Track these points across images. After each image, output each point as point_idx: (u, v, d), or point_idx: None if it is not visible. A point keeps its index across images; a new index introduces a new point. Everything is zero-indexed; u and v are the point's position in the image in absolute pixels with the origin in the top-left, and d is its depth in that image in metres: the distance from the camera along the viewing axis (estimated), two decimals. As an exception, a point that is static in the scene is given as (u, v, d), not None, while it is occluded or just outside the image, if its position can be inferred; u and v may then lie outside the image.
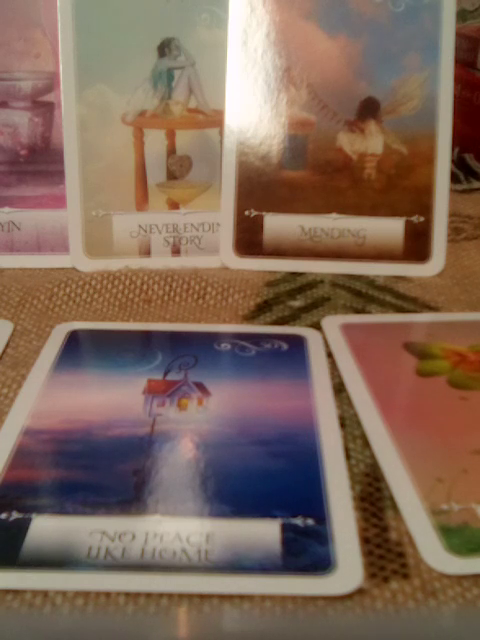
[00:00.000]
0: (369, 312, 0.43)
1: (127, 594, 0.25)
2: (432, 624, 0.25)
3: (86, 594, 0.25)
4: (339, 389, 0.36)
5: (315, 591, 0.25)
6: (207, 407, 0.34)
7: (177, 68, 0.46)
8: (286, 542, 0.26)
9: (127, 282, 0.45)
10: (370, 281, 0.47)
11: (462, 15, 0.69)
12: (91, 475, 0.30)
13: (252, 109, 0.47)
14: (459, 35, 0.48)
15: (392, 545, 0.27)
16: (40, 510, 0.28)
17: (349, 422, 0.34)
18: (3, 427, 0.32)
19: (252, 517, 0.27)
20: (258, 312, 0.43)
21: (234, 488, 0.29)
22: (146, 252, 0.48)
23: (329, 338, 0.40)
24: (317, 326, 0.42)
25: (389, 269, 0.47)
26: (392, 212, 0.47)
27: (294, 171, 0.47)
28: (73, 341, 0.40)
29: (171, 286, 0.45)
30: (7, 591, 0.25)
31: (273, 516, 0.27)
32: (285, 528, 0.27)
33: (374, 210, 0.48)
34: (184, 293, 0.45)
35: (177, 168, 0.47)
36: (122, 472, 0.30)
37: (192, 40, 0.46)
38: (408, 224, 0.47)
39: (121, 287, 0.45)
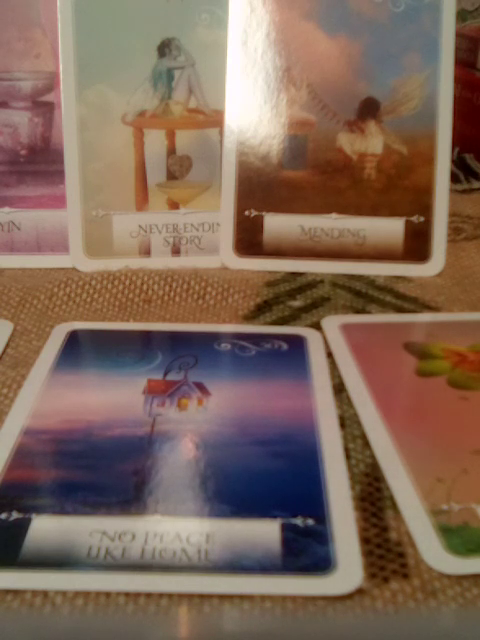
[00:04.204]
0: (369, 312, 0.43)
1: (127, 594, 0.25)
2: (432, 624, 0.25)
3: (86, 594, 0.25)
4: (339, 389, 0.36)
5: (315, 591, 0.25)
6: (207, 407, 0.34)
7: (177, 68, 0.46)
8: (286, 542, 0.26)
9: (127, 282, 0.45)
10: (370, 281, 0.47)
11: (462, 15, 0.69)
12: (91, 475, 0.30)
13: (252, 109, 0.47)
14: (459, 35, 0.48)
15: (392, 545, 0.27)
16: (40, 510, 0.28)
17: (349, 422, 0.34)
18: (3, 427, 0.32)
19: (252, 517, 0.27)
20: (258, 312, 0.43)
21: (234, 488, 0.29)
22: (146, 252, 0.48)
23: (329, 338, 0.40)
24: (317, 326, 0.42)
25: (389, 269, 0.47)
26: (392, 212, 0.47)
27: (294, 171, 0.47)
28: (73, 341, 0.40)
29: (171, 286, 0.45)
30: (7, 591, 0.25)
31: (273, 516, 0.27)
32: (285, 528, 0.27)
33: (374, 210, 0.48)
34: (184, 293, 0.45)
35: (177, 168, 0.47)
36: (122, 472, 0.30)
37: (192, 40, 0.46)
38: (408, 224, 0.47)
39: (121, 287, 0.45)
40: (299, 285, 0.46)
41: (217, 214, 0.48)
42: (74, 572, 0.25)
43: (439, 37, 0.46)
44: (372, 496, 0.29)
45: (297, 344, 0.40)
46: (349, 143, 0.47)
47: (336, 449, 0.31)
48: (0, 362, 0.38)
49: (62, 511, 0.28)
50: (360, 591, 0.25)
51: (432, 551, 0.26)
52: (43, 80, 0.47)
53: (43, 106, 0.47)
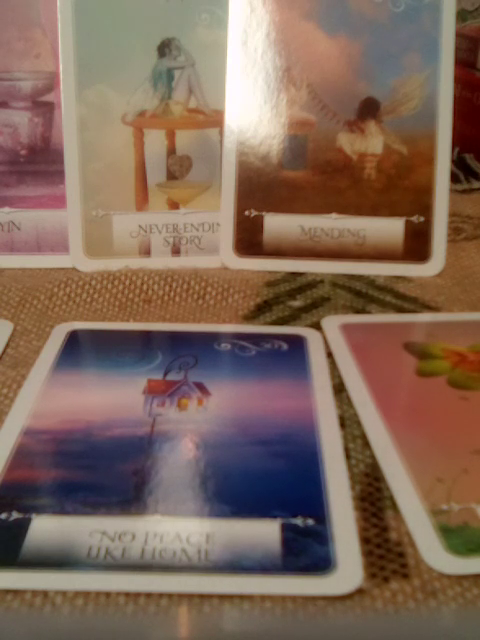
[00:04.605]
0: (369, 312, 0.43)
1: (127, 594, 0.25)
2: (432, 624, 0.25)
3: (86, 594, 0.25)
4: (339, 389, 0.36)
5: (315, 591, 0.25)
6: (207, 407, 0.34)
7: (177, 68, 0.46)
8: (286, 542, 0.26)
9: (127, 282, 0.45)
10: (370, 281, 0.47)
11: (462, 15, 0.69)
12: (91, 475, 0.30)
13: (252, 109, 0.47)
14: (459, 35, 0.48)
15: (392, 545, 0.27)
16: (40, 510, 0.28)
17: (349, 422, 0.34)
18: (3, 427, 0.32)
19: (252, 517, 0.27)
20: (258, 312, 0.43)
21: (234, 488, 0.29)
22: (146, 252, 0.48)
23: (329, 338, 0.40)
24: (317, 326, 0.42)
25: (389, 269, 0.47)
26: (392, 212, 0.47)
27: (294, 171, 0.47)
28: (73, 341, 0.40)
29: (171, 286, 0.45)
30: (7, 591, 0.25)
31: (273, 516, 0.27)
32: (285, 528, 0.27)
33: (374, 210, 0.48)
34: (184, 293, 0.45)
35: (177, 168, 0.47)
36: (122, 472, 0.30)
37: (192, 40, 0.46)
38: (408, 224, 0.47)
39: (121, 287, 0.45)
40: (299, 285, 0.46)
41: (217, 214, 0.48)
42: (74, 572, 0.25)
43: (439, 37, 0.46)
44: (372, 496, 0.29)
45: (297, 344, 0.40)
46: (349, 143, 0.47)
47: (336, 449, 0.31)
48: (0, 362, 0.38)
49: (62, 511, 0.28)
50: (360, 591, 0.25)
51: (432, 551, 0.26)
52: (43, 80, 0.47)
53: (43, 106, 0.47)
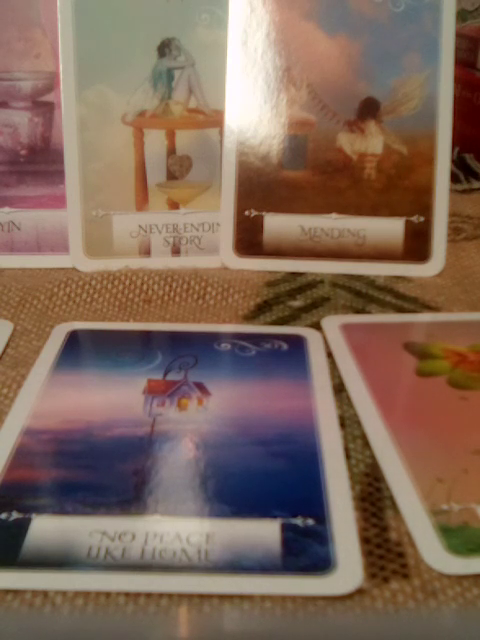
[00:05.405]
0: (369, 312, 0.43)
1: (127, 594, 0.25)
2: (432, 624, 0.25)
3: (86, 594, 0.25)
4: (339, 389, 0.36)
5: (315, 591, 0.25)
6: (207, 407, 0.34)
7: (177, 68, 0.46)
8: (286, 542, 0.26)
9: (127, 282, 0.45)
10: (370, 281, 0.47)
11: (462, 15, 0.69)
12: (91, 475, 0.30)
13: (252, 109, 0.47)
14: (459, 35, 0.48)
15: (392, 545, 0.27)
16: (40, 510, 0.28)
17: (349, 422, 0.34)
18: (3, 427, 0.32)
19: (252, 517, 0.27)
20: (258, 312, 0.43)
21: (234, 488, 0.29)
22: (146, 252, 0.48)
23: (329, 338, 0.40)
24: (317, 326, 0.42)
25: (389, 269, 0.47)
26: (392, 212, 0.47)
27: (294, 171, 0.47)
28: (73, 341, 0.40)
29: (171, 286, 0.45)
30: (7, 591, 0.25)
31: (273, 516, 0.27)
32: (285, 528, 0.27)
33: (374, 210, 0.48)
34: (184, 293, 0.45)
35: (177, 168, 0.47)
36: (122, 472, 0.30)
37: (192, 40, 0.46)
38: (408, 224, 0.47)
39: (121, 287, 0.45)
40: (299, 285, 0.46)
41: (217, 214, 0.48)
42: (74, 572, 0.25)
43: (439, 37, 0.46)
44: (372, 496, 0.29)
45: (297, 344, 0.40)
46: (349, 143, 0.47)
47: (336, 449, 0.31)
48: (0, 362, 0.38)
49: (62, 511, 0.28)
50: (360, 591, 0.25)
51: (432, 551, 0.26)
52: (43, 80, 0.47)
53: (43, 106, 0.47)
